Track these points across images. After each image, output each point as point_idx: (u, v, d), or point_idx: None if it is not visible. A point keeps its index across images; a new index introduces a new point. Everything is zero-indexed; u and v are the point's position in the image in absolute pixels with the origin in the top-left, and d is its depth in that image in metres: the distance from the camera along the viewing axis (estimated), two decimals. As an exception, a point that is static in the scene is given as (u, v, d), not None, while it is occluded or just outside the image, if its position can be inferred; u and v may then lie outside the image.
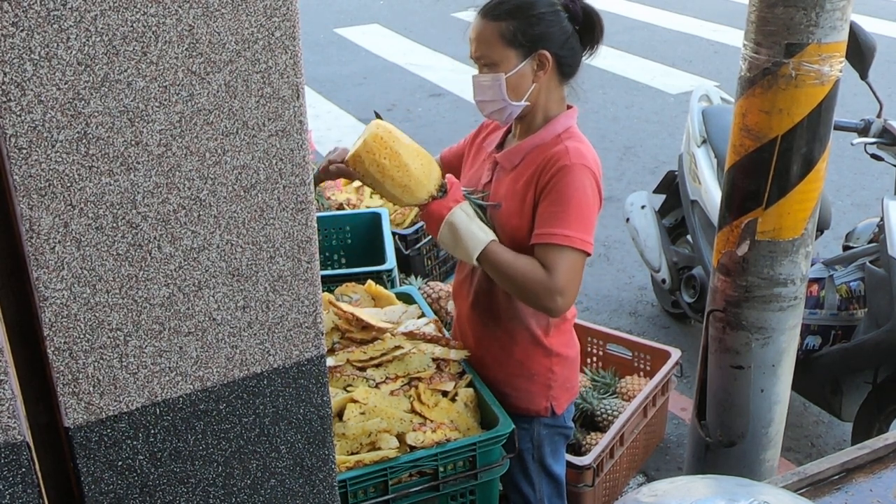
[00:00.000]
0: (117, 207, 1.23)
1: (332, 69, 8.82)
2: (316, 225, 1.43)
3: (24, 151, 1.14)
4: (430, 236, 3.72)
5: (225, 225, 1.33)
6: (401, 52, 9.42)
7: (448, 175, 2.15)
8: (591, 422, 3.29)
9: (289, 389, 1.48)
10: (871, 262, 3.29)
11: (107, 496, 1.36)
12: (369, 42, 9.86)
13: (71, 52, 1.14)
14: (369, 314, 2.41)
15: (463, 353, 2.36)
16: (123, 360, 1.31)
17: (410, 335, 2.39)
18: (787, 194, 2.28)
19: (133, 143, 1.22)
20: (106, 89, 1.18)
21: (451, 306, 3.23)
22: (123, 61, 1.18)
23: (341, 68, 8.89)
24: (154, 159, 1.24)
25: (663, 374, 3.33)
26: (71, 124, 1.17)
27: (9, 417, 1.21)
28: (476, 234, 2.08)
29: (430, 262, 3.85)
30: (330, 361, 2.28)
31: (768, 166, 2.27)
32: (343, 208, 3.84)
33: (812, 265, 3.15)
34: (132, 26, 1.17)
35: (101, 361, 1.29)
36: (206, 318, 1.36)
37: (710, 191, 3.84)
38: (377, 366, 2.30)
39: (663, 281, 4.22)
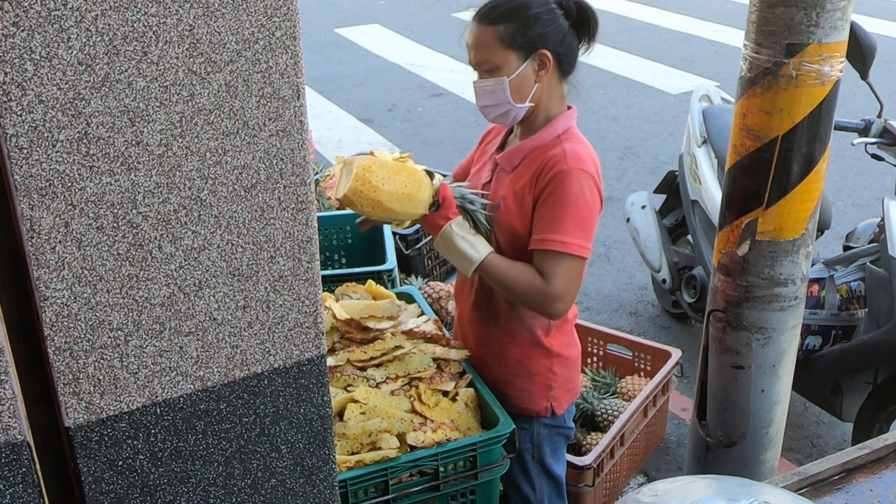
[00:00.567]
0: (118, 207, 1.23)
1: (333, 69, 8.83)
2: (316, 225, 1.43)
3: (25, 151, 1.14)
4: (430, 236, 3.72)
5: (225, 225, 1.33)
6: (401, 52, 9.42)
7: (442, 185, 2.14)
8: (591, 422, 3.29)
9: (289, 389, 1.48)
10: (871, 262, 3.29)
11: (107, 496, 1.36)
12: (370, 42, 9.86)
13: (71, 52, 1.14)
14: (365, 306, 2.40)
15: (463, 352, 2.36)
16: (124, 359, 1.31)
17: (411, 334, 2.39)
18: (788, 194, 2.28)
19: (134, 142, 1.22)
20: (106, 89, 1.18)
21: (451, 306, 3.23)
22: (124, 61, 1.18)
23: (342, 68, 8.90)
24: (155, 159, 1.24)
25: (664, 374, 3.33)
26: (71, 124, 1.17)
27: (9, 417, 1.21)
28: (468, 252, 2.10)
29: (430, 262, 3.85)
30: (330, 361, 2.28)
31: (769, 166, 2.27)
32: (343, 208, 3.83)
33: (812, 265, 3.15)
34: (133, 26, 1.17)
35: (102, 361, 1.29)
36: (207, 318, 1.36)
37: (710, 191, 3.84)
38: (377, 365, 2.30)
39: (664, 281, 4.22)
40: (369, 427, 2.11)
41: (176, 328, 1.34)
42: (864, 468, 1.77)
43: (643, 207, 4.33)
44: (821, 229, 3.41)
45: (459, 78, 8.03)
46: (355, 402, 2.16)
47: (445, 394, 2.28)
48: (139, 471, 1.37)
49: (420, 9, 11.30)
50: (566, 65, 2.15)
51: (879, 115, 3.27)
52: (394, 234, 3.56)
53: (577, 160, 2.06)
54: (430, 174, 2.14)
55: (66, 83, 1.15)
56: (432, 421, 2.17)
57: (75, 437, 1.30)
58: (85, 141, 1.18)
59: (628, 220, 4.36)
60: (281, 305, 1.43)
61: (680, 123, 6.98)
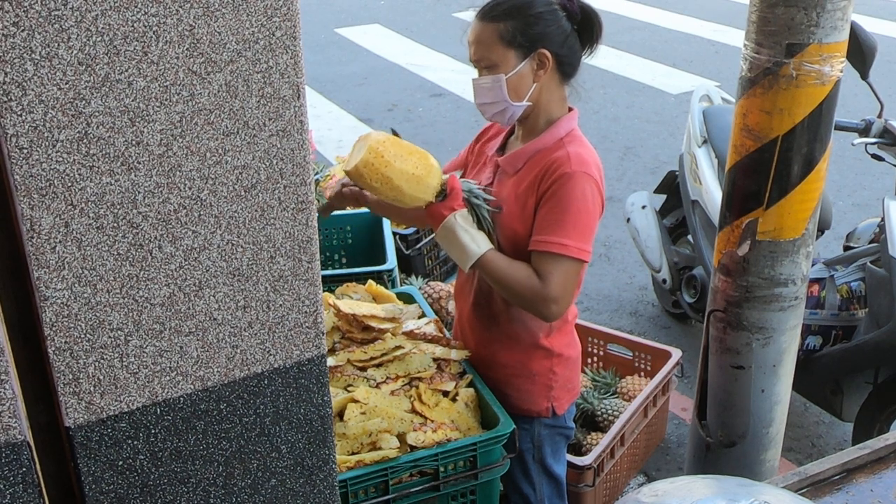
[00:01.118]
0: (118, 207, 1.23)
1: (333, 69, 8.83)
2: (317, 225, 1.43)
3: (25, 151, 1.14)
4: (431, 236, 3.72)
5: (226, 225, 1.33)
6: (401, 52, 9.42)
7: (451, 176, 2.13)
8: (591, 422, 3.29)
9: (289, 389, 1.48)
10: (871, 262, 3.29)
11: (107, 496, 1.36)
12: (370, 42, 9.86)
13: (72, 52, 1.14)
14: (369, 308, 2.40)
15: (464, 353, 2.36)
16: (124, 359, 1.31)
17: (411, 335, 2.39)
18: (788, 194, 2.28)
19: (134, 142, 1.22)
20: (107, 89, 1.18)
21: (451, 306, 3.23)
22: (124, 61, 1.18)
23: (342, 68, 8.90)
24: (155, 159, 1.24)
25: (664, 374, 3.33)
26: (72, 124, 1.17)
27: (9, 417, 1.21)
28: (469, 245, 2.08)
29: (430, 262, 3.85)
30: (330, 361, 2.28)
31: (769, 166, 2.27)
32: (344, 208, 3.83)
33: (813, 265, 3.15)
34: (133, 26, 1.17)
35: (102, 361, 1.29)
36: (207, 318, 1.36)
37: (710, 191, 3.84)
38: (378, 366, 2.30)
39: (664, 281, 4.22)
40: (369, 427, 2.11)
41: (176, 328, 1.34)
42: (865, 468, 1.77)
43: (643, 207, 4.33)
44: (821, 229, 3.41)
45: (460, 78, 8.02)
46: (355, 402, 2.16)
47: (446, 394, 2.28)
48: (139, 471, 1.37)
49: (420, 9, 11.30)
50: (567, 67, 2.14)
51: (880, 115, 3.27)
52: (394, 234, 3.56)
53: (582, 163, 2.06)
54: None
55: (66, 83, 1.15)
56: (432, 421, 2.17)
57: (75, 436, 1.30)
58: (85, 141, 1.18)
59: (628, 220, 4.36)
60: (281, 305, 1.43)
61: (680, 123, 6.98)
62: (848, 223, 4.80)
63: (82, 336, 1.26)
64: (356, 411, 2.14)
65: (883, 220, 3.20)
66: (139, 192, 1.24)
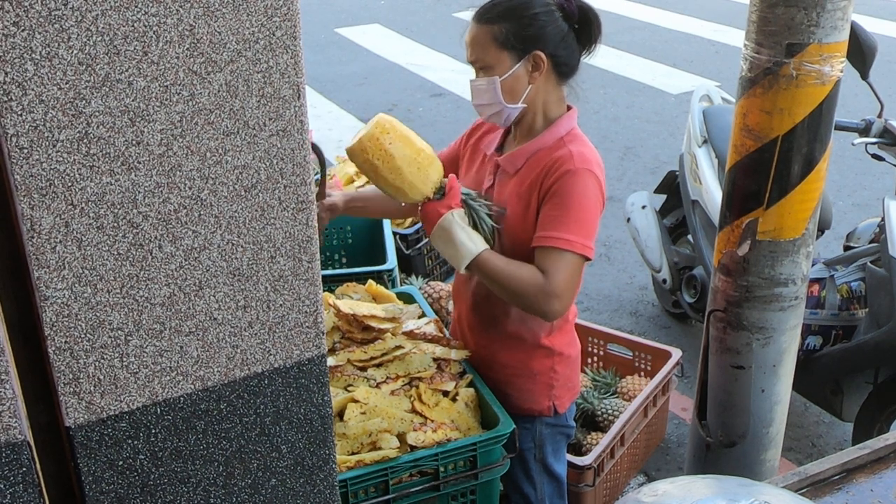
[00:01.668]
0: (118, 207, 1.23)
1: (333, 69, 8.83)
2: (316, 225, 1.43)
3: (26, 151, 1.14)
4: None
5: (226, 224, 1.33)
6: (401, 52, 9.42)
7: (450, 176, 2.13)
8: (591, 422, 3.29)
9: (289, 389, 1.48)
10: (871, 262, 3.29)
11: (107, 496, 1.36)
12: (370, 42, 9.86)
13: (72, 52, 1.14)
14: (369, 308, 2.40)
15: (464, 353, 2.36)
16: (124, 359, 1.31)
17: (411, 335, 2.39)
18: (788, 194, 2.28)
19: (134, 142, 1.22)
20: (107, 89, 1.18)
21: (451, 306, 3.23)
22: (124, 61, 1.18)
23: (342, 68, 8.90)
24: (155, 159, 1.24)
25: (664, 374, 3.33)
26: (72, 124, 1.17)
27: (10, 417, 1.21)
28: (465, 243, 2.06)
29: (430, 262, 3.85)
30: (330, 361, 2.28)
31: (769, 166, 2.27)
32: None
33: (813, 265, 3.15)
34: (133, 26, 1.17)
35: (102, 361, 1.29)
36: (207, 318, 1.36)
37: (710, 191, 3.84)
38: (378, 365, 2.30)
39: (664, 281, 4.22)
40: (369, 427, 2.11)
41: (176, 328, 1.34)
42: (865, 468, 1.77)
43: (643, 207, 4.33)
44: (821, 229, 3.41)
45: (460, 78, 8.02)
46: (356, 401, 2.16)
47: (446, 394, 2.28)
48: (139, 470, 1.37)
49: (420, 9, 11.30)
50: (564, 67, 2.13)
51: (880, 115, 3.27)
52: (394, 233, 3.56)
53: (584, 161, 2.06)
54: None
55: (66, 83, 1.15)
56: (432, 421, 2.17)
57: (75, 436, 1.30)
58: (85, 141, 1.18)
59: (629, 219, 4.36)
60: (281, 305, 1.43)
61: (680, 123, 6.98)
62: (848, 223, 4.80)
63: (82, 336, 1.26)
64: (356, 411, 2.14)
65: (883, 219, 3.20)
66: (139, 192, 1.24)
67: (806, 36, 2.13)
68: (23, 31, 1.10)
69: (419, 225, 3.70)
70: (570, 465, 2.76)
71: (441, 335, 2.42)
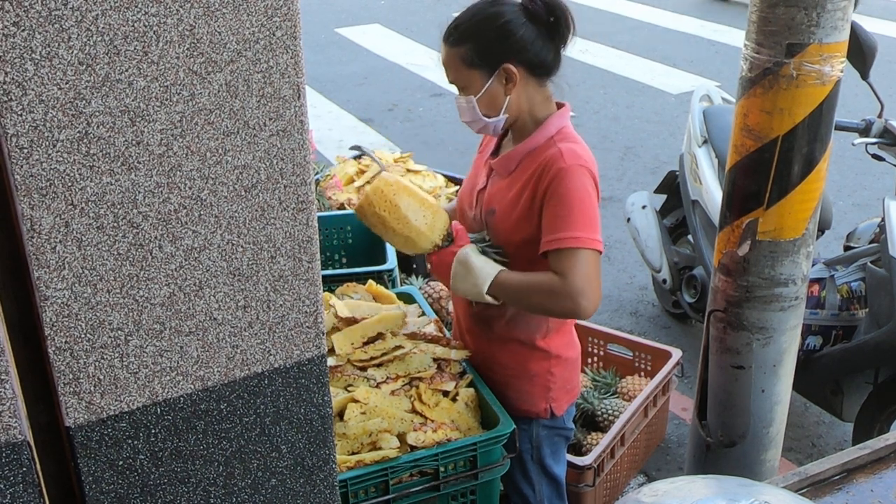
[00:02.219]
0: (118, 207, 1.23)
1: (333, 69, 8.83)
2: (317, 225, 1.43)
3: (26, 151, 1.14)
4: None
5: (226, 224, 1.33)
6: (402, 51, 9.42)
7: (454, 223, 2.18)
8: (591, 422, 3.29)
9: (290, 389, 1.48)
10: (871, 262, 3.28)
11: (107, 496, 1.36)
12: (370, 42, 9.86)
13: (72, 52, 1.14)
14: (379, 319, 2.39)
15: (464, 353, 2.36)
16: (124, 359, 1.31)
17: (411, 335, 2.39)
18: (788, 194, 2.28)
19: (134, 142, 1.22)
20: (107, 89, 1.18)
21: (451, 306, 3.23)
22: (124, 61, 1.18)
23: (342, 68, 8.90)
24: (155, 159, 1.24)
25: (664, 374, 3.33)
26: (72, 124, 1.17)
27: (10, 417, 1.21)
28: (483, 267, 2.10)
29: (430, 262, 3.84)
30: (330, 361, 2.28)
31: (769, 166, 2.27)
32: (344, 208, 3.84)
33: (813, 265, 3.15)
34: (133, 26, 1.17)
35: (102, 361, 1.29)
36: (207, 318, 1.36)
37: (710, 191, 3.84)
38: (378, 365, 2.30)
39: (664, 281, 4.22)
40: (370, 427, 2.11)
41: (176, 328, 1.34)
42: (865, 468, 1.77)
43: (643, 207, 4.33)
44: (821, 229, 3.41)
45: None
46: (356, 401, 2.16)
47: (446, 394, 2.28)
48: (139, 471, 1.37)
49: (420, 9, 11.30)
50: (540, 69, 2.11)
51: (880, 116, 3.27)
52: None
53: (574, 157, 2.06)
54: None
55: (66, 83, 1.15)
56: (432, 421, 2.17)
57: (75, 436, 1.30)
58: (85, 141, 1.18)
59: (629, 219, 4.36)
60: (281, 305, 1.43)
61: (680, 123, 6.98)
62: (848, 223, 4.80)
63: (82, 336, 1.26)
64: (356, 411, 2.14)
65: (883, 220, 3.20)
66: (139, 192, 1.24)
67: (806, 36, 2.13)
68: (23, 31, 1.10)
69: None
70: (570, 465, 2.76)
71: (441, 335, 2.42)
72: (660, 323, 4.52)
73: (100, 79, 1.17)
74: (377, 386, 2.24)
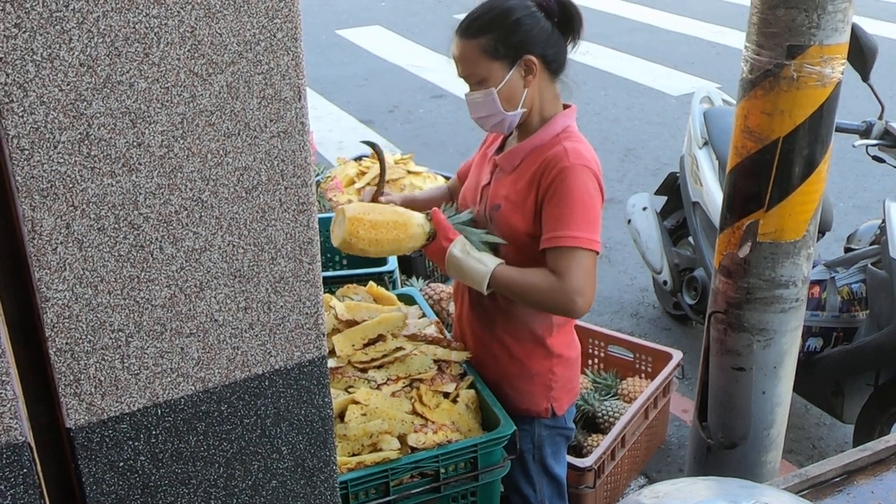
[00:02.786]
0: (119, 208, 1.23)
1: (334, 70, 8.83)
2: (318, 226, 1.43)
3: (27, 152, 1.15)
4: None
5: (227, 226, 1.33)
6: (402, 53, 9.43)
7: (432, 210, 2.18)
8: (592, 423, 3.29)
9: (290, 390, 1.48)
10: (872, 264, 3.28)
11: (108, 497, 1.36)
12: (371, 43, 9.87)
13: (73, 54, 1.14)
14: (380, 320, 2.39)
15: (464, 354, 2.36)
16: (125, 360, 1.31)
17: (412, 336, 2.39)
18: (789, 196, 2.28)
19: (135, 144, 1.22)
20: (108, 90, 1.18)
21: (452, 308, 3.23)
22: (126, 62, 1.18)
23: (343, 70, 8.90)
24: (156, 160, 1.24)
25: (664, 375, 3.33)
26: (73, 125, 1.17)
27: (10, 418, 1.21)
28: (476, 268, 2.10)
29: (431, 264, 3.85)
30: (331, 363, 2.28)
31: (770, 168, 2.27)
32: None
33: (813, 267, 3.15)
34: (134, 28, 1.17)
35: (103, 362, 1.29)
36: (208, 320, 1.36)
37: (711, 192, 3.84)
38: (378, 367, 2.30)
39: (665, 283, 4.22)
40: (370, 428, 2.11)
41: (177, 329, 1.34)
42: (865, 470, 1.77)
43: (644, 209, 4.33)
44: (822, 231, 3.41)
45: (460, 79, 8.00)
46: (356, 403, 2.16)
47: (446, 395, 2.28)
48: (140, 472, 1.37)
49: (421, 10, 11.31)
50: (555, 65, 2.15)
51: (880, 117, 3.27)
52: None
53: (579, 156, 2.07)
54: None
55: (67, 84, 1.15)
56: (433, 422, 2.17)
57: (76, 437, 1.30)
58: (86, 142, 1.18)
59: (629, 221, 4.36)
60: (282, 307, 1.43)
61: (681, 125, 6.98)
62: (849, 225, 4.80)
63: (83, 337, 1.26)
64: (357, 413, 2.14)
65: (884, 221, 3.20)
66: (140, 194, 1.24)
67: (807, 38, 2.13)
68: (24, 32, 1.10)
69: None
70: (571, 466, 2.76)
71: (442, 337, 2.42)
72: (660, 324, 4.52)
73: (101, 80, 1.17)
74: (378, 387, 2.24)
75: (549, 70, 2.14)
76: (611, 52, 8.98)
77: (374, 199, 2.48)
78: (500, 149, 2.29)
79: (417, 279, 3.61)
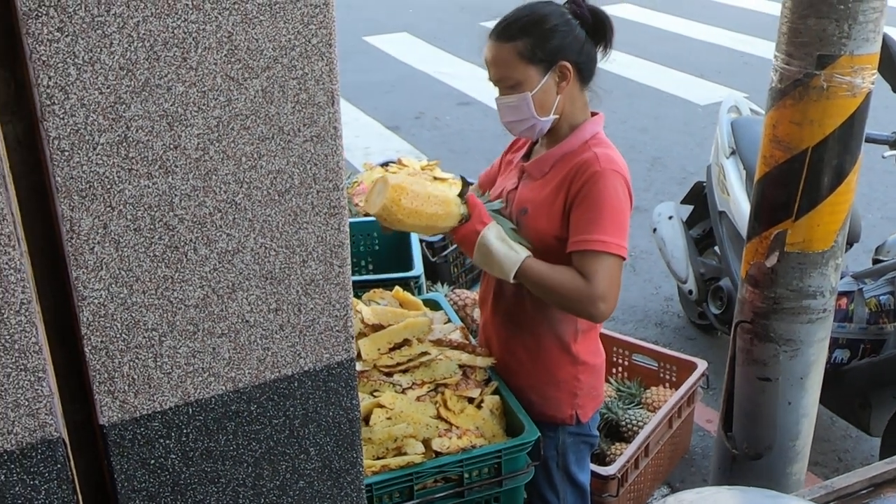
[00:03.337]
0: (155, 209, 1.26)
1: (361, 77, 8.88)
2: (348, 230, 1.45)
3: (67, 154, 1.17)
4: (456, 244, 3.73)
5: (259, 228, 1.35)
6: (429, 60, 9.46)
7: (469, 195, 2.14)
8: (615, 432, 3.28)
9: (319, 392, 1.49)
10: (901, 276, 3.26)
11: (139, 494, 1.38)
12: (397, 50, 9.91)
13: (113, 58, 1.16)
14: (405, 325, 2.40)
15: (489, 360, 2.37)
16: (158, 359, 1.33)
17: (437, 341, 2.40)
18: (818, 206, 2.27)
19: (172, 146, 1.24)
20: (146, 94, 1.20)
21: (477, 314, 3.24)
22: (164, 66, 1.20)
23: (370, 76, 8.95)
24: (192, 163, 1.26)
25: (689, 385, 3.32)
26: (112, 128, 1.19)
27: (46, 414, 1.24)
28: (508, 254, 2.08)
29: (456, 270, 3.86)
30: (357, 366, 2.29)
31: (798, 178, 2.26)
32: (369, 215, 3.86)
33: (841, 278, 3.13)
34: (173, 32, 1.19)
35: (137, 361, 1.31)
36: (240, 320, 1.38)
37: (738, 202, 3.82)
38: (404, 371, 2.32)
39: (690, 292, 4.20)
40: (395, 432, 2.12)
41: (209, 329, 1.36)
42: (892, 483, 1.76)
43: (670, 218, 4.32)
44: (850, 242, 3.39)
45: (487, 86, 7.97)
46: (381, 407, 2.17)
47: (471, 401, 2.28)
48: (171, 470, 1.39)
49: (448, 17, 11.34)
50: (586, 72, 2.17)
51: (910, 128, 3.25)
52: (421, 241, 3.58)
53: (610, 161, 2.08)
54: (466, 183, 2.15)
55: (107, 87, 1.17)
56: (457, 427, 2.18)
57: (109, 435, 1.32)
58: (125, 144, 1.20)
59: (655, 230, 4.35)
60: (312, 309, 1.45)
61: (708, 134, 6.95)
62: (877, 236, 4.75)
63: (118, 336, 1.29)
64: (382, 416, 2.15)
65: (913, 233, 3.18)
66: (176, 195, 1.27)
67: (837, 47, 2.13)
68: (66, 36, 1.13)
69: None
70: (594, 474, 2.75)
71: (467, 342, 2.43)
72: (685, 334, 4.50)
73: (140, 84, 1.19)
74: (403, 392, 2.25)
75: (580, 78, 2.15)
76: (638, 61, 8.96)
77: None
78: (527, 156, 2.30)
79: (443, 285, 3.63)
